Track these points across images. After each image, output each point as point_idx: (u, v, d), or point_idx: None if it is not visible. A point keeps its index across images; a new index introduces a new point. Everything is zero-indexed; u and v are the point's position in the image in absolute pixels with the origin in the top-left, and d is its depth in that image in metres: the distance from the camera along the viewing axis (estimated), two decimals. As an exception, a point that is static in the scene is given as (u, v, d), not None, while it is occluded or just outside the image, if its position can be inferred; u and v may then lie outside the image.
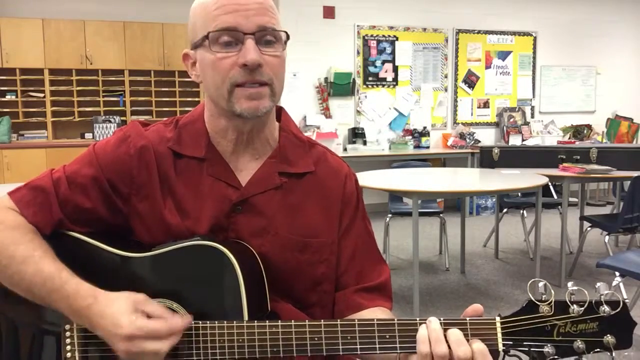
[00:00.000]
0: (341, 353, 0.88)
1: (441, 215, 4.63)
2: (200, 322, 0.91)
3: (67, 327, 0.97)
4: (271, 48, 0.97)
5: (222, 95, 0.97)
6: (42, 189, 1.01)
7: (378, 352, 0.87)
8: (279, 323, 0.89)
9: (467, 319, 0.84)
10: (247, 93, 0.96)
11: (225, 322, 0.91)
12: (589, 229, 4.23)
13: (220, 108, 1.01)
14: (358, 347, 0.87)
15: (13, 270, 0.94)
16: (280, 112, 1.14)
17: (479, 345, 0.81)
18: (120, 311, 0.87)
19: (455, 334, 0.82)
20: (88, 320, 0.90)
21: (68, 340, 0.97)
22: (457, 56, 7.22)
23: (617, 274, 2.89)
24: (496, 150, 4.56)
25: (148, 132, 1.07)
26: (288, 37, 1.00)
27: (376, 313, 1.04)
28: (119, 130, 1.08)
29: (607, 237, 3.98)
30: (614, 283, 2.94)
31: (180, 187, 1.03)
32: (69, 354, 0.97)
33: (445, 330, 0.83)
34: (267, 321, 0.90)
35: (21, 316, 1.02)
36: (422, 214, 3.95)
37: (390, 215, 4.54)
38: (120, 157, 1.03)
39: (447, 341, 0.82)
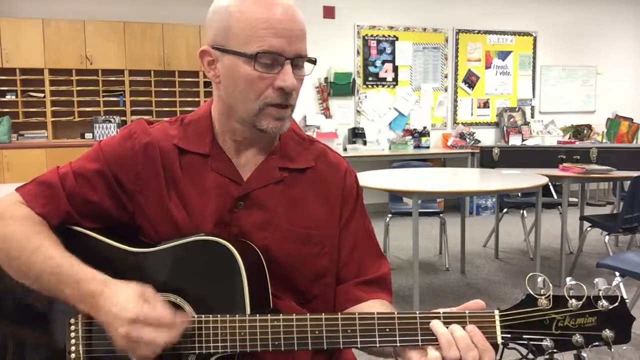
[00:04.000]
0: (341, 347, 0.90)
1: (441, 215, 4.63)
2: (202, 316, 0.93)
3: (72, 320, 0.99)
4: (300, 71, 1.03)
5: (251, 109, 1.01)
6: (49, 184, 1.03)
7: (378, 345, 0.88)
8: (280, 317, 0.90)
9: (467, 311, 0.85)
10: (276, 115, 1.01)
11: (227, 315, 0.92)
12: (589, 229, 4.22)
13: (239, 117, 1.03)
14: (358, 340, 0.88)
15: (23, 260, 0.96)
16: None
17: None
18: (128, 296, 0.89)
19: (463, 338, 0.83)
20: (94, 304, 0.91)
21: (72, 334, 0.98)
22: (457, 56, 7.23)
23: (617, 274, 2.89)
24: (496, 150, 4.56)
25: (153, 129, 1.09)
26: (315, 63, 1.05)
27: (376, 305, 1.06)
28: (125, 127, 1.11)
29: (607, 237, 3.97)
30: (614, 283, 2.93)
31: (185, 183, 1.05)
32: (73, 347, 0.98)
33: (447, 326, 0.84)
34: (268, 315, 0.91)
35: (26, 311, 1.03)
36: (422, 214, 3.94)
37: (390, 215, 4.54)
38: (126, 153, 1.05)
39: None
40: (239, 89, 1.00)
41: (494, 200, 6.46)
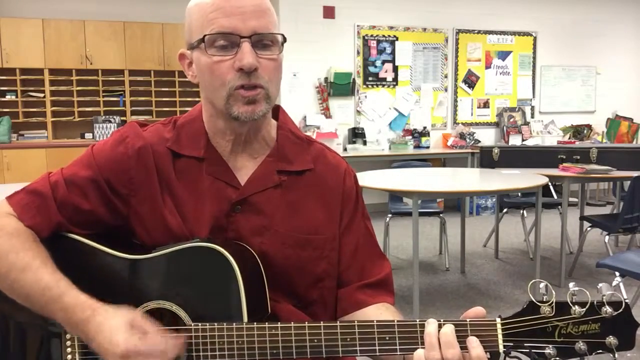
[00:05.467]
0: (340, 355, 0.88)
1: (441, 215, 4.63)
2: (199, 324, 0.91)
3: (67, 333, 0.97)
4: (267, 51, 0.98)
5: (221, 98, 0.98)
6: (40, 193, 1.01)
7: (378, 353, 0.87)
8: (279, 325, 0.89)
9: (468, 320, 0.84)
10: (244, 99, 0.96)
11: (224, 324, 0.90)
12: (589, 229, 4.22)
13: (218, 110, 1.01)
14: (358, 348, 0.87)
15: (12, 278, 0.93)
16: (277, 111, 1.14)
17: (477, 352, 0.81)
18: (117, 328, 0.87)
19: (445, 335, 0.82)
20: (84, 333, 0.90)
21: (68, 343, 0.97)
22: (457, 56, 7.22)
23: (617, 274, 2.88)
24: (496, 150, 4.56)
25: (146, 132, 1.07)
26: (285, 39, 1.00)
27: (380, 310, 1.04)
28: (117, 131, 1.08)
29: (607, 237, 3.97)
30: (614, 283, 2.94)
31: (180, 188, 1.03)
32: (69, 356, 0.97)
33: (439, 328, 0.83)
34: (266, 323, 0.90)
35: (23, 318, 1.01)
36: (422, 214, 3.94)
37: (390, 215, 4.54)
38: (118, 158, 1.03)
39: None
40: (207, 81, 0.98)
41: (494, 200, 6.45)
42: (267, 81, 0.97)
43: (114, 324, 0.87)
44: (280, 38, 0.99)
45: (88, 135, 6.79)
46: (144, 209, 1.02)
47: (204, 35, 0.95)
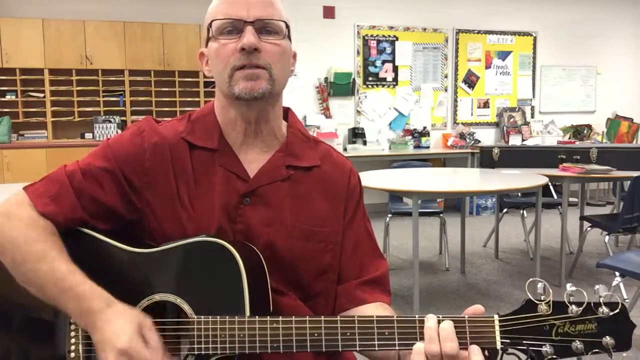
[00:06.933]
0: (340, 349, 0.90)
1: (441, 215, 4.64)
2: (202, 317, 0.93)
3: (72, 320, 0.98)
4: (271, 37, 1.02)
5: (224, 80, 1.02)
6: (57, 182, 1.02)
7: (377, 348, 0.88)
8: (280, 319, 0.91)
9: (466, 317, 0.85)
10: (244, 74, 1.00)
11: (227, 317, 0.92)
12: (589, 229, 4.23)
13: (226, 96, 1.05)
14: (357, 343, 0.89)
15: (28, 267, 0.95)
16: (287, 113, 1.18)
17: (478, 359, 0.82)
18: (126, 326, 0.89)
19: (445, 329, 0.83)
20: (93, 322, 0.91)
21: (73, 334, 0.98)
22: (457, 56, 7.22)
23: (617, 274, 2.89)
24: (496, 150, 4.56)
25: (162, 127, 1.10)
26: (288, 27, 1.05)
27: (379, 309, 1.06)
28: (134, 125, 1.11)
29: (607, 237, 3.98)
30: (614, 283, 2.94)
31: (195, 179, 1.06)
32: (72, 347, 0.98)
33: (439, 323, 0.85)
34: (267, 317, 0.91)
35: (28, 308, 1.02)
36: (422, 214, 3.94)
37: (390, 215, 4.54)
38: (135, 150, 1.05)
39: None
40: (214, 66, 1.04)
41: (494, 200, 6.46)
42: (269, 63, 1.01)
43: (124, 321, 0.90)
44: (283, 26, 1.04)
45: (88, 135, 6.80)
46: (158, 201, 1.04)
47: (212, 21, 1.02)
